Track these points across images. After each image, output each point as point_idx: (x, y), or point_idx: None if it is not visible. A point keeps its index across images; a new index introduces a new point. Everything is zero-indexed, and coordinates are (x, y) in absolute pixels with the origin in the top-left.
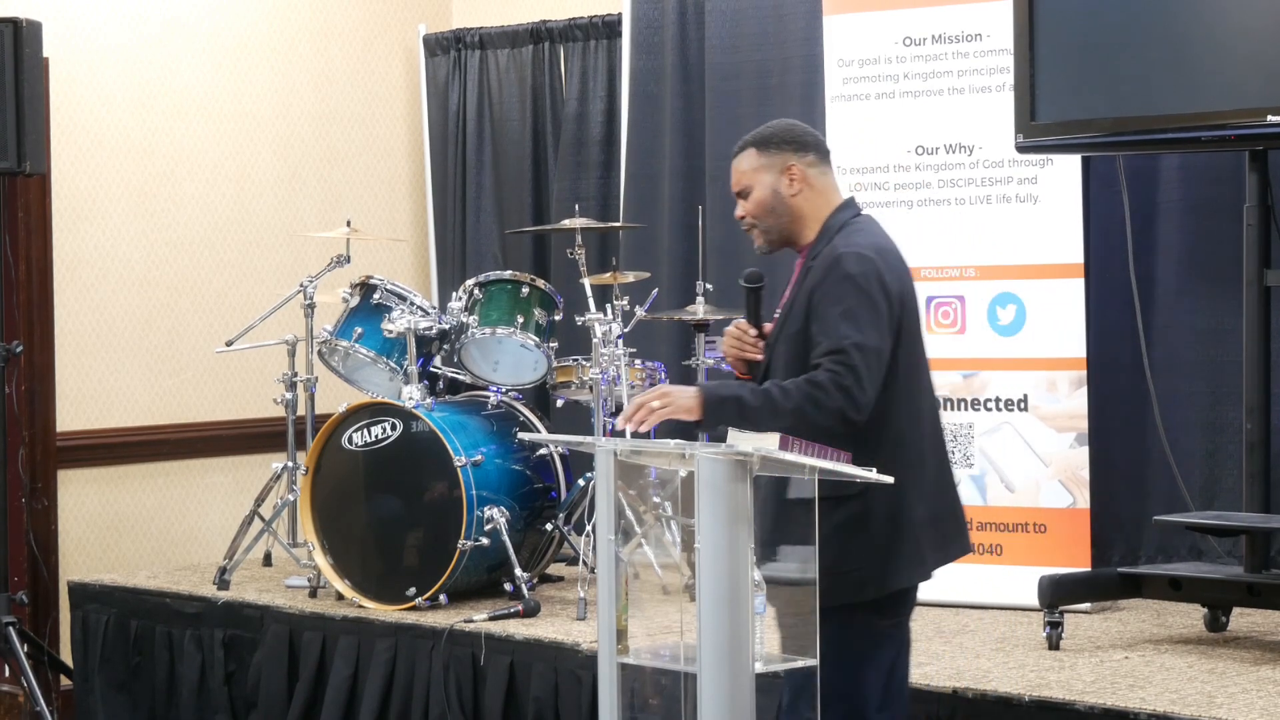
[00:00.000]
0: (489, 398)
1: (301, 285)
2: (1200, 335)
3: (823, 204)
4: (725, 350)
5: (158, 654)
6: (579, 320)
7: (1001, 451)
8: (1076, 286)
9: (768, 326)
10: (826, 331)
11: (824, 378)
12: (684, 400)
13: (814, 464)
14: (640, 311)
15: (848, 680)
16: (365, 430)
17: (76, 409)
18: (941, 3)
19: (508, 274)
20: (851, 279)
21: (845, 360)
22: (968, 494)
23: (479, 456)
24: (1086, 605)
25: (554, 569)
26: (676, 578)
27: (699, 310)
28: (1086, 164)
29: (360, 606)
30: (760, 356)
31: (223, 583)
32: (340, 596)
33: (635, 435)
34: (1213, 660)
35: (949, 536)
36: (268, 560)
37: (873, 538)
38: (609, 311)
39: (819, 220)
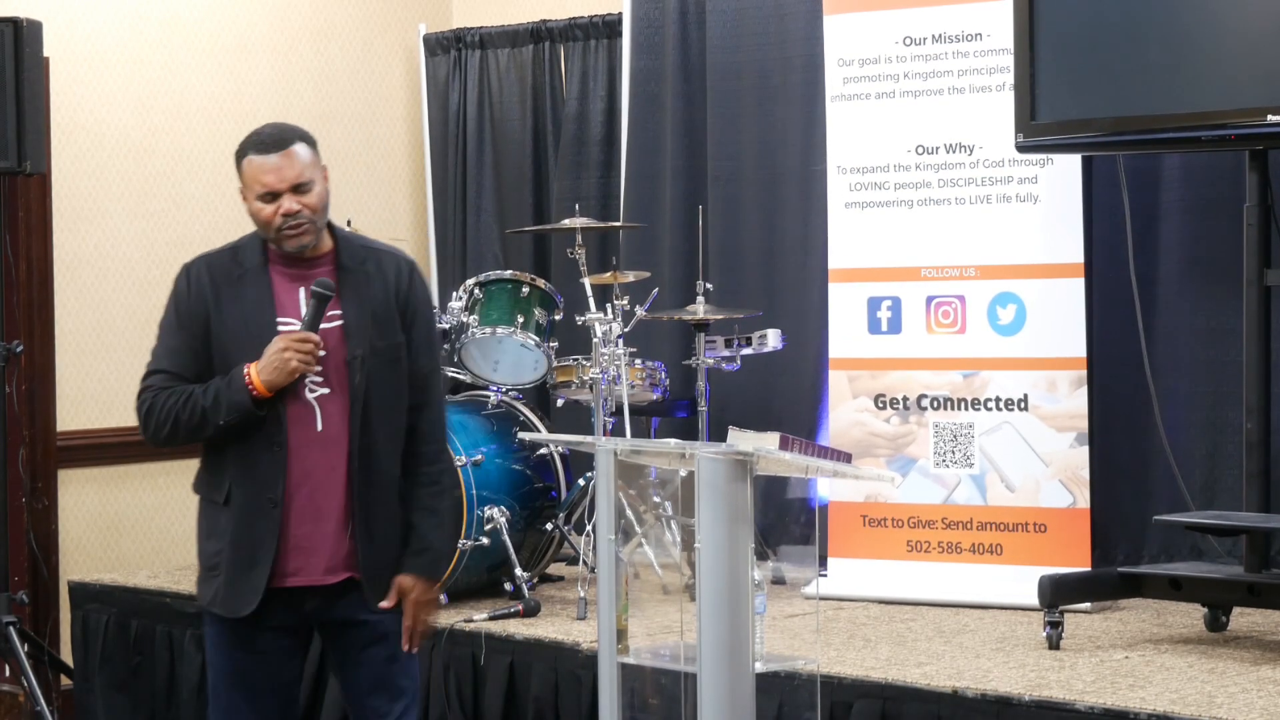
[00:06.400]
0: (489, 397)
1: None
2: (1200, 335)
3: None
4: (298, 365)
5: (158, 654)
6: (579, 320)
7: (1001, 451)
8: (1077, 286)
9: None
10: (433, 343)
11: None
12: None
13: (815, 464)
14: (640, 311)
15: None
16: None
17: (76, 409)
18: (941, 2)
19: (508, 274)
20: (425, 284)
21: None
22: (968, 494)
23: (479, 456)
24: (1086, 605)
25: (554, 569)
26: (676, 577)
27: (699, 310)
28: (1087, 164)
29: None
30: (317, 368)
31: None
32: None
33: None
34: (1213, 660)
35: None
36: None
37: None
38: (609, 311)
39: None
